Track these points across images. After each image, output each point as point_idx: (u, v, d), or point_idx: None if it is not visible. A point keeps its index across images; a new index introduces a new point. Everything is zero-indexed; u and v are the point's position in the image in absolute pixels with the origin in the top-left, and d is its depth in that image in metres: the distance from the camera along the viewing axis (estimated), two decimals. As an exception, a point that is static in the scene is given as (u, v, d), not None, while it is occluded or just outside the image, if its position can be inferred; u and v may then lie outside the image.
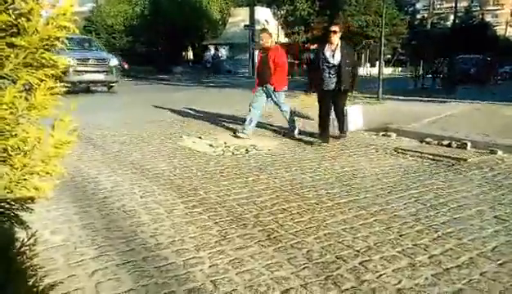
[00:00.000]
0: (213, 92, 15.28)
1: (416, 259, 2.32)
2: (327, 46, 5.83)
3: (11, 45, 0.73)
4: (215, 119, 7.98)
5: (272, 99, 6.34)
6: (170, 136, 6.16)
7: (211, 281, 2.07)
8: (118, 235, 2.62)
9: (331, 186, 3.75)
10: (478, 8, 55.33)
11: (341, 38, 5.86)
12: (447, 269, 2.21)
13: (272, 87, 6.20)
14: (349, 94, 6.21)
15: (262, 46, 6.41)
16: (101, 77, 13.47)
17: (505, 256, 2.36)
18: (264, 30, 6.84)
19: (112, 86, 14.19)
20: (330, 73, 5.79)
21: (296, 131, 6.40)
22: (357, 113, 6.48)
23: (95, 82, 13.73)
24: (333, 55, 5.76)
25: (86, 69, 13.06)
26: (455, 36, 19.94)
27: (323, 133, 5.92)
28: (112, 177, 3.96)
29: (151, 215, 2.99)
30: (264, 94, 6.33)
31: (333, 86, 5.79)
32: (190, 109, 9.24)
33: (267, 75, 6.19)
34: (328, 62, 5.79)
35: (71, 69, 12.44)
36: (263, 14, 35.14)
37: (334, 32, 5.77)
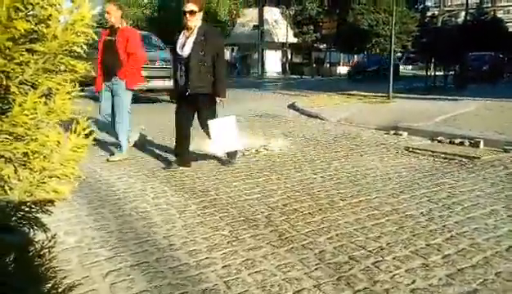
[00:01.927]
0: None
1: (430, 259, 2.30)
2: (182, 32, 4.22)
3: (31, 51, 0.75)
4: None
5: (114, 99, 4.68)
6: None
7: (224, 282, 2.08)
8: (131, 236, 2.64)
9: (343, 186, 3.74)
10: (490, 4, 54.62)
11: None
12: (461, 269, 2.19)
13: (123, 82, 4.60)
14: (219, 102, 4.24)
15: (108, 25, 4.73)
16: (170, 83, 10.43)
17: (520, 255, 2.33)
18: (110, 1, 4.87)
19: None
20: (181, 69, 4.15)
21: (124, 148, 4.81)
22: (225, 129, 4.25)
23: (162, 91, 10.78)
24: (183, 45, 4.13)
25: (153, 73, 9.86)
26: (466, 33, 19.74)
27: (178, 153, 4.39)
28: (124, 179, 4.00)
29: (163, 216, 3.01)
30: (110, 92, 4.71)
31: (184, 88, 4.15)
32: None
33: (115, 66, 4.56)
34: (178, 55, 4.19)
35: None
36: (272, 14, 35.17)
37: (191, 12, 4.05)
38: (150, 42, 11.94)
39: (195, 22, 4.12)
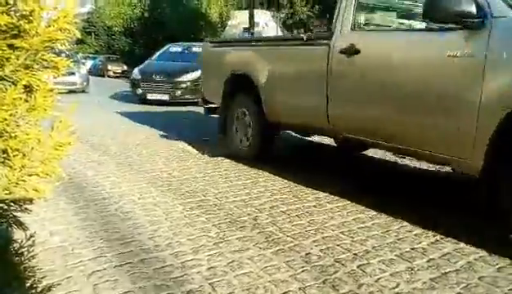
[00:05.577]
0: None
1: (414, 263, 2.32)
2: None
3: (12, 46, 0.74)
4: (214, 121, 7.97)
5: None
6: (169, 139, 6.16)
7: (209, 283, 2.07)
8: (116, 237, 2.61)
9: (330, 189, 3.74)
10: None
11: None
12: (445, 273, 2.21)
13: None
14: None
15: None
16: None
17: (502, 260, 2.36)
18: None
19: None
20: None
21: None
22: None
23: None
24: None
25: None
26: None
27: None
28: (110, 179, 3.96)
29: (149, 216, 2.98)
30: None
31: None
32: (187, 112, 9.26)
33: None
34: None
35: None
36: (263, 17, 35.20)
37: None
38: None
39: None
